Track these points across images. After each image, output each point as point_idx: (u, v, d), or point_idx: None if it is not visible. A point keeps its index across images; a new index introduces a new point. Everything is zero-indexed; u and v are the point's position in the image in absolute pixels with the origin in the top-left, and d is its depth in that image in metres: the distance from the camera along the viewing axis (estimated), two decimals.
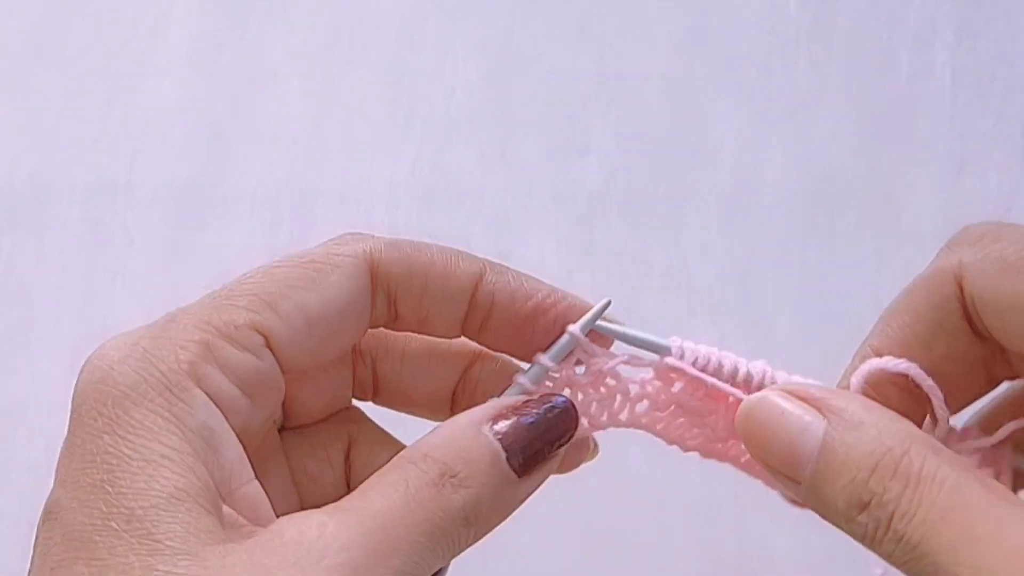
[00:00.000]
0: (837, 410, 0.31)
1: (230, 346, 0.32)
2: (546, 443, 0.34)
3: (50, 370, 0.89)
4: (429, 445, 0.33)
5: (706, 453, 0.38)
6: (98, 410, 0.31)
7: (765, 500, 0.38)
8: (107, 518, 0.29)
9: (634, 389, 0.38)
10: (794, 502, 0.34)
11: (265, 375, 0.33)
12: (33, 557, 0.31)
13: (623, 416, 0.38)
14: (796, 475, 0.31)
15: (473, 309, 0.37)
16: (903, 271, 0.89)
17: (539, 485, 0.35)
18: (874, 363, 0.33)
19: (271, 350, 0.34)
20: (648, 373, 0.38)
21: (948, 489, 0.29)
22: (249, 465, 0.33)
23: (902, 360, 0.33)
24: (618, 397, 0.38)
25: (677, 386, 0.37)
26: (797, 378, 0.36)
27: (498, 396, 0.37)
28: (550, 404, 0.35)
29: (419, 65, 0.97)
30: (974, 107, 0.95)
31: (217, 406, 0.32)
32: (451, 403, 0.39)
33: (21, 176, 0.94)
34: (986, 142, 0.94)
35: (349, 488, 0.37)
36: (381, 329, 0.38)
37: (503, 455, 0.33)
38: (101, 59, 0.98)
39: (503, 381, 0.38)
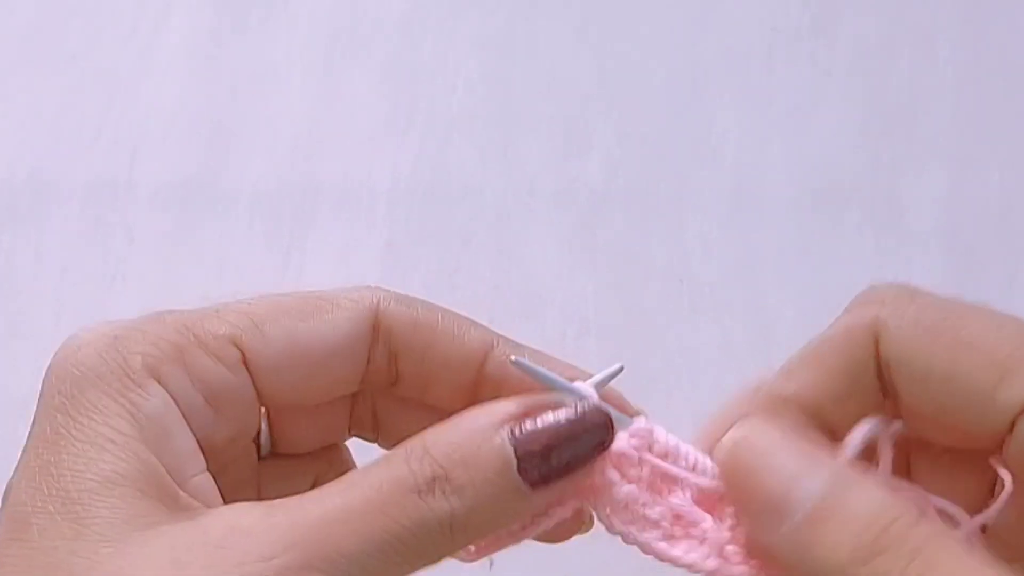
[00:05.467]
0: (834, 465, 0.30)
1: (203, 354, 0.32)
2: (571, 456, 0.31)
3: None
4: (433, 440, 0.30)
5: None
6: (58, 388, 0.31)
7: None
8: (46, 500, 0.29)
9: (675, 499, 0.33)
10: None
11: (235, 390, 0.32)
12: None
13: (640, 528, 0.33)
14: (779, 523, 0.30)
15: (482, 383, 0.34)
16: (905, 269, 0.89)
17: (560, 495, 0.32)
18: (872, 423, 0.32)
19: (248, 369, 0.32)
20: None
21: (959, 551, 0.28)
22: (202, 458, 0.32)
23: (892, 422, 0.32)
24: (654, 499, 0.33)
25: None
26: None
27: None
28: (583, 412, 0.31)
29: (420, 63, 0.97)
30: (976, 105, 0.94)
31: (176, 406, 0.31)
32: None
33: (21, 174, 0.94)
34: (988, 140, 0.93)
35: None
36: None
37: (514, 464, 0.30)
38: (101, 57, 0.97)
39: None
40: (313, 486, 0.34)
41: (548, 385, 0.32)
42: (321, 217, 0.92)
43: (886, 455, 0.32)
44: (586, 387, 0.33)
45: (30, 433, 0.31)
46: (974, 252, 0.90)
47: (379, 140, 0.95)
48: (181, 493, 0.30)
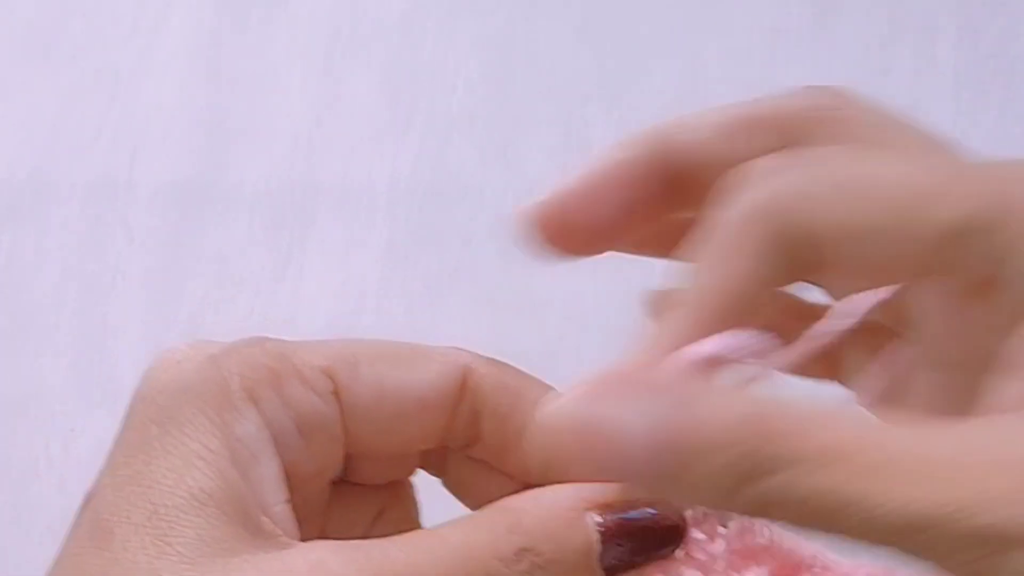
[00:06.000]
0: (664, 389, 0.27)
1: (298, 382, 0.32)
2: (643, 551, 0.31)
3: (50, 368, 0.89)
4: (521, 511, 0.30)
5: None
6: (153, 398, 0.31)
7: None
8: (130, 511, 0.29)
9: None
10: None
11: (326, 422, 0.32)
12: (65, 541, 0.30)
13: None
14: (639, 476, 0.27)
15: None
16: None
17: None
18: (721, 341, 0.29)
19: (339, 403, 0.32)
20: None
21: (850, 421, 0.26)
22: (286, 489, 0.32)
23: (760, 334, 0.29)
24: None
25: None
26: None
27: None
28: (663, 513, 0.31)
29: (420, 62, 0.97)
30: (977, 105, 0.94)
31: (268, 431, 0.31)
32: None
33: (21, 173, 0.94)
34: (989, 140, 0.93)
35: None
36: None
37: (598, 549, 0.30)
38: (101, 56, 0.97)
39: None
40: (378, 517, 0.36)
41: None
42: (321, 217, 0.92)
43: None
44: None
45: (117, 440, 0.31)
46: None
47: (379, 140, 0.95)
48: (263, 519, 0.30)
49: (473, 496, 0.36)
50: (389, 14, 0.98)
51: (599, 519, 0.30)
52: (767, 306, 0.31)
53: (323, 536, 0.33)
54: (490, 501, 0.34)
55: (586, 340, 0.87)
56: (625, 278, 0.88)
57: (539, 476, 0.33)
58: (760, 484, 0.25)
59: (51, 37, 0.98)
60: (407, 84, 0.96)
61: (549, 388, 0.34)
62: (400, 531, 0.32)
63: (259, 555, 0.29)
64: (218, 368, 0.31)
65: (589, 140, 0.93)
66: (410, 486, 0.37)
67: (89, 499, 0.30)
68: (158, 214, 0.93)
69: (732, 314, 0.30)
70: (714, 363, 0.29)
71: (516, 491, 0.34)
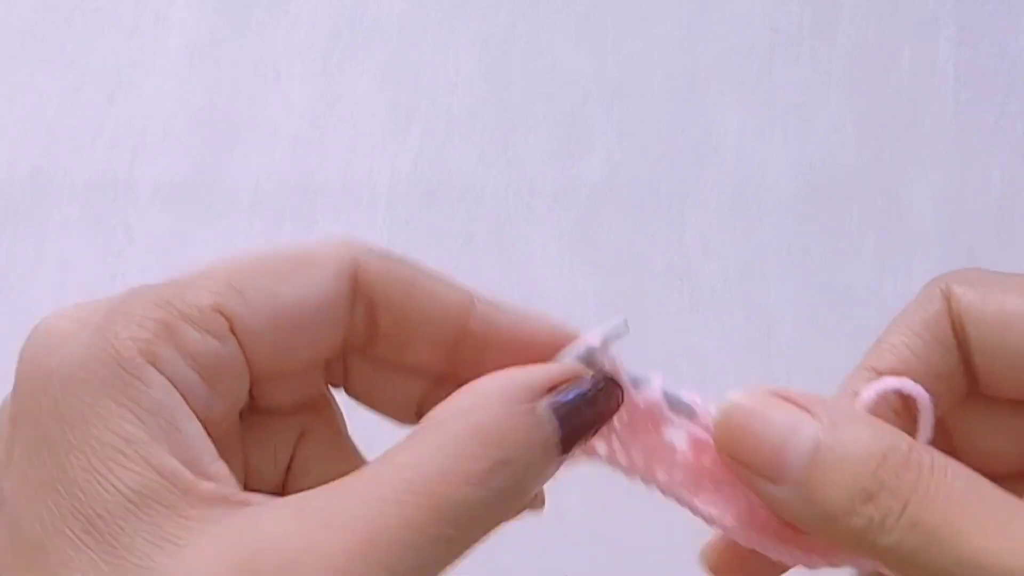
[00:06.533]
0: (828, 411, 0.31)
1: (191, 328, 0.29)
2: (593, 423, 0.31)
3: None
4: (480, 424, 0.29)
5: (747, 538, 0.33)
6: (43, 388, 0.28)
7: None
8: (60, 522, 0.26)
9: (678, 444, 0.33)
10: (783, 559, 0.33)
11: (227, 361, 0.30)
12: None
13: (660, 476, 0.33)
14: (782, 477, 0.30)
15: (462, 340, 0.33)
16: (905, 268, 0.89)
17: (515, 508, 0.31)
18: (891, 381, 0.33)
19: (235, 336, 0.30)
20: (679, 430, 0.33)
21: (963, 480, 0.29)
22: (213, 446, 0.29)
23: (916, 384, 0.33)
24: (659, 447, 0.33)
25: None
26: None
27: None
28: (602, 379, 0.32)
29: (420, 61, 0.97)
30: (977, 104, 0.94)
31: (176, 391, 0.29)
32: (417, 412, 0.35)
33: (21, 173, 0.94)
34: (988, 139, 0.93)
35: (284, 490, 0.33)
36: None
37: (558, 436, 0.30)
38: (102, 55, 0.97)
39: None
40: (300, 440, 0.34)
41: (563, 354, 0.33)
42: (321, 217, 0.92)
43: (927, 417, 0.33)
44: (600, 351, 0.33)
45: (8, 439, 0.28)
46: (974, 252, 0.90)
47: (379, 140, 0.95)
48: (204, 486, 0.28)
49: (377, 398, 0.35)
50: (389, 14, 0.98)
51: (550, 405, 0.30)
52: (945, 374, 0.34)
53: (248, 471, 0.33)
54: (397, 401, 0.34)
55: None
56: (625, 278, 0.88)
57: (444, 365, 0.33)
58: (863, 528, 0.29)
59: (51, 37, 0.98)
60: (407, 84, 0.96)
61: (439, 277, 0.34)
62: (329, 449, 0.32)
63: (215, 527, 0.27)
64: (106, 338, 0.28)
65: (589, 139, 0.93)
66: (328, 401, 0.35)
67: None
68: (158, 214, 0.93)
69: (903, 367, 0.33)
70: (882, 401, 0.33)
71: (422, 388, 0.34)
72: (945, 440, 0.35)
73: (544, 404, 0.30)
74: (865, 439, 0.30)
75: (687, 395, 0.34)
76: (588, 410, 0.31)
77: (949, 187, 0.92)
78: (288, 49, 0.97)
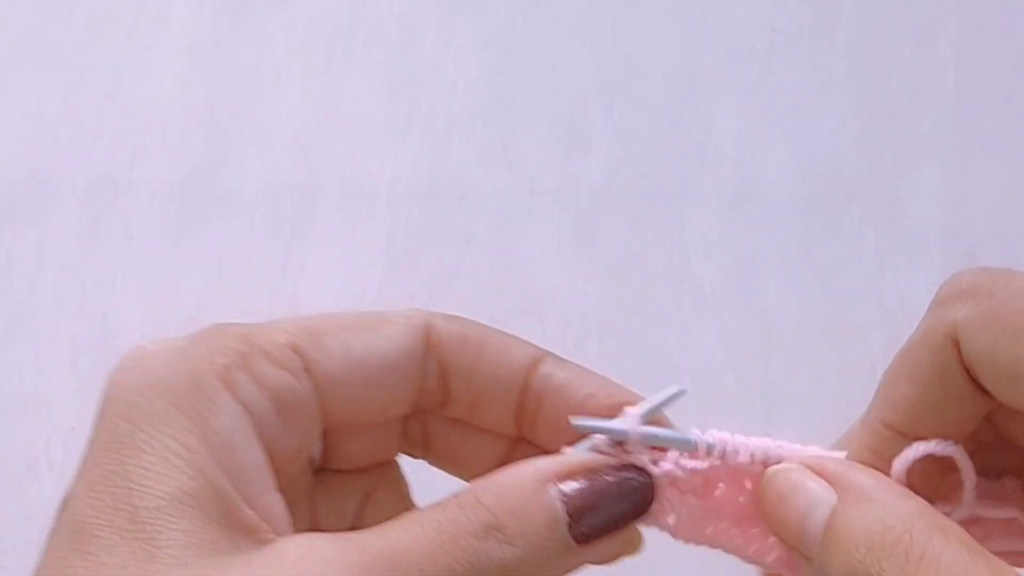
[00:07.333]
0: (847, 485, 0.31)
1: (267, 361, 0.32)
2: (616, 516, 0.32)
3: (50, 367, 0.89)
4: (483, 490, 0.31)
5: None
6: (123, 397, 0.30)
7: None
8: (112, 513, 0.28)
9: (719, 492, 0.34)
10: None
11: (301, 397, 0.32)
12: (45, 544, 0.30)
13: (708, 531, 0.34)
14: (807, 551, 0.31)
15: (525, 397, 0.35)
16: (905, 268, 0.89)
17: (605, 554, 0.32)
18: (920, 447, 0.32)
19: (310, 377, 0.33)
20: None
21: (951, 572, 0.28)
22: (272, 476, 0.32)
23: (948, 443, 0.32)
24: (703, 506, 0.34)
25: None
26: (814, 448, 0.34)
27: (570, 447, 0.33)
28: (629, 475, 0.32)
29: (420, 62, 0.97)
30: (977, 103, 0.94)
31: (247, 415, 0.31)
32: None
33: (21, 172, 0.94)
34: (989, 138, 0.93)
35: None
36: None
37: (564, 520, 0.31)
38: (101, 55, 0.97)
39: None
40: (365, 502, 0.36)
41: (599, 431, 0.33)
42: (321, 217, 0.92)
43: (968, 474, 0.33)
44: (635, 434, 0.33)
45: (90, 440, 0.30)
46: (974, 252, 0.90)
47: (379, 140, 0.95)
48: (248, 513, 0.30)
49: (460, 463, 0.36)
50: (389, 14, 0.98)
51: (562, 490, 0.31)
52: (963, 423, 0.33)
53: (315, 525, 0.34)
54: (477, 465, 0.35)
55: (586, 340, 0.87)
56: (625, 278, 0.89)
57: (512, 427, 0.35)
58: None
59: (51, 37, 0.98)
60: (407, 84, 0.96)
61: (508, 337, 0.35)
62: (392, 513, 0.33)
63: (244, 553, 0.29)
64: (187, 359, 0.31)
65: (589, 139, 0.93)
66: (396, 467, 0.37)
67: (66, 501, 0.30)
68: (158, 213, 0.93)
69: (916, 422, 0.33)
70: (915, 467, 0.32)
71: (499, 451, 0.36)
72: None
73: (553, 484, 0.31)
74: (867, 518, 0.30)
75: (711, 435, 0.34)
76: (606, 500, 0.32)
77: (949, 187, 0.92)
78: (288, 49, 0.97)
